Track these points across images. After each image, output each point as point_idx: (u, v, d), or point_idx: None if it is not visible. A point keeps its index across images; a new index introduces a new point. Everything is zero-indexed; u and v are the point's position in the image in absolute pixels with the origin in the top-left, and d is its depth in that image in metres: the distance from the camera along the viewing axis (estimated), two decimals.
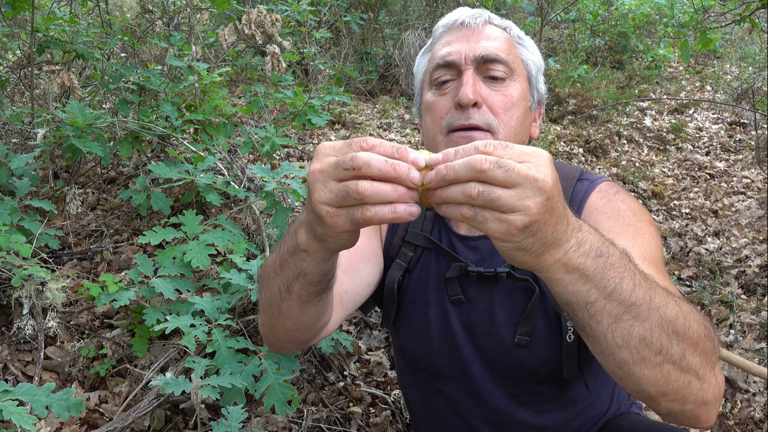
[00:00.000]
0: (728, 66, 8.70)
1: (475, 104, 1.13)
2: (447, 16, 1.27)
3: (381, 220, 0.72)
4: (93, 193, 3.13)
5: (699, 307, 3.02)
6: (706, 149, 5.60)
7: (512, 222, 0.69)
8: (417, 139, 5.15)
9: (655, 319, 0.79)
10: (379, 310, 2.64)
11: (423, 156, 0.73)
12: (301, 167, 2.36)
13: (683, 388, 0.83)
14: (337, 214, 0.75)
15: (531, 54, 1.25)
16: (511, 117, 1.16)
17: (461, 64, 1.16)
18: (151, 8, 3.91)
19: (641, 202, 4.33)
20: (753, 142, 5.27)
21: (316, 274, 0.91)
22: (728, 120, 6.30)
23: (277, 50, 3.08)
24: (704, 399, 0.85)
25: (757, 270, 3.32)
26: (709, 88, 7.72)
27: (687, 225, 4.06)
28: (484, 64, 1.16)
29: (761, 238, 3.72)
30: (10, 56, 4.32)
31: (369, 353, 2.49)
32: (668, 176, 4.99)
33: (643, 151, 5.55)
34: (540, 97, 1.29)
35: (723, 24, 3.94)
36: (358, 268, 1.23)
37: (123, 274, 2.22)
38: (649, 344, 0.79)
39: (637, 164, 5.19)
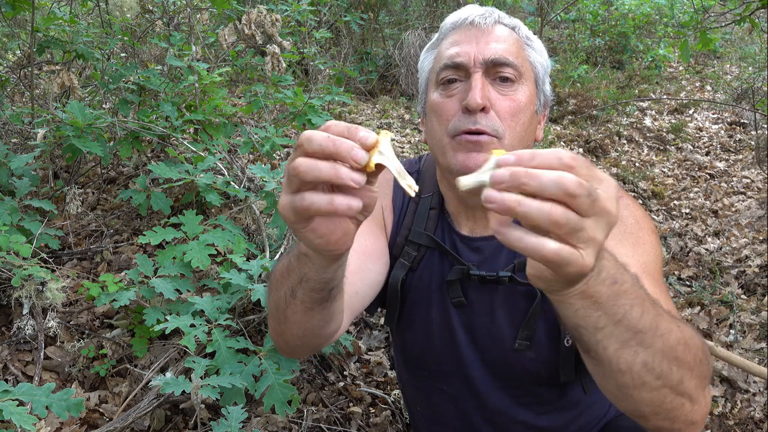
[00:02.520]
0: (728, 66, 8.70)
1: (483, 109, 1.12)
2: (456, 13, 1.24)
3: (318, 211, 0.68)
4: (93, 193, 3.13)
5: (699, 308, 3.02)
6: (706, 149, 5.60)
7: (579, 256, 0.63)
8: (417, 138, 5.15)
9: (659, 346, 0.79)
10: (380, 310, 2.64)
11: (375, 136, 0.68)
12: None
13: (676, 410, 0.84)
14: (284, 202, 0.72)
15: (539, 56, 1.24)
16: (517, 122, 1.15)
17: (470, 66, 1.15)
18: (151, 8, 3.91)
19: (641, 202, 4.34)
20: (753, 142, 5.27)
21: (317, 280, 0.90)
22: (728, 120, 6.30)
23: (277, 50, 3.08)
24: (693, 420, 0.87)
25: (757, 270, 3.32)
26: (709, 88, 7.73)
27: (687, 225, 4.06)
28: (492, 67, 1.15)
29: (761, 238, 3.72)
30: (10, 56, 4.32)
31: (369, 353, 2.49)
32: (668, 176, 4.99)
33: (643, 151, 5.55)
34: (546, 100, 1.27)
35: (723, 24, 3.94)
36: (367, 269, 1.22)
37: (123, 274, 2.22)
38: (651, 370, 0.79)
39: (637, 164, 5.19)
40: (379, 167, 0.70)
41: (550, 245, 0.62)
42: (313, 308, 0.96)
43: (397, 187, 1.36)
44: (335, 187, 0.70)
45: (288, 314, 0.99)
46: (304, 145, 0.68)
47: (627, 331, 0.77)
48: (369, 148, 0.67)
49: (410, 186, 0.71)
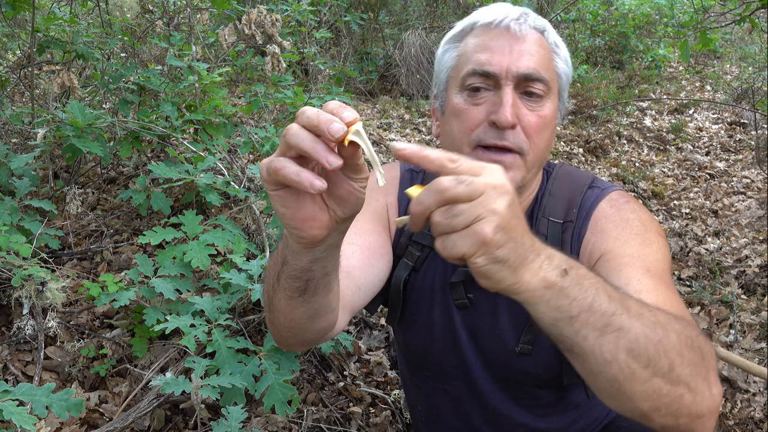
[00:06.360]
0: (728, 66, 8.70)
1: (512, 126, 1.10)
2: (488, 11, 1.18)
3: (285, 178, 0.71)
4: (93, 193, 3.13)
5: (699, 308, 3.02)
6: (706, 149, 5.60)
7: (480, 230, 0.68)
8: (418, 139, 5.15)
9: (639, 329, 0.78)
10: (380, 310, 2.64)
11: (356, 115, 0.73)
12: None
13: (675, 402, 0.81)
14: (265, 160, 0.76)
15: (564, 65, 1.21)
16: (542, 138, 1.14)
17: (501, 78, 1.11)
18: (151, 8, 3.91)
19: (641, 202, 4.34)
20: (753, 142, 5.27)
21: (292, 266, 0.89)
22: (728, 120, 6.30)
23: (277, 50, 3.08)
24: (698, 412, 0.83)
25: (757, 270, 3.32)
26: (709, 88, 7.73)
27: (687, 225, 4.06)
28: (524, 81, 1.12)
29: (761, 238, 3.72)
30: (10, 56, 4.32)
31: (369, 353, 2.49)
32: (668, 176, 4.99)
33: (643, 151, 5.55)
34: (565, 110, 1.26)
35: (723, 24, 3.94)
36: (371, 265, 1.21)
37: (123, 274, 2.22)
38: (636, 356, 0.77)
39: (637, 164, 5.19)
40: (352, 152, 0.74)
41: (457, 235, 0.69)
42: (293, 297, 0.95)
43: (403, 186, 1.36)
44: (320, 168, 0.74)
45: (275, 301, 0.99)
46: (298, 116, 0.73)
47: (602, 316, 0.77)
48: (348, 125, 0.71)
49: (380, 171, 0.75)
